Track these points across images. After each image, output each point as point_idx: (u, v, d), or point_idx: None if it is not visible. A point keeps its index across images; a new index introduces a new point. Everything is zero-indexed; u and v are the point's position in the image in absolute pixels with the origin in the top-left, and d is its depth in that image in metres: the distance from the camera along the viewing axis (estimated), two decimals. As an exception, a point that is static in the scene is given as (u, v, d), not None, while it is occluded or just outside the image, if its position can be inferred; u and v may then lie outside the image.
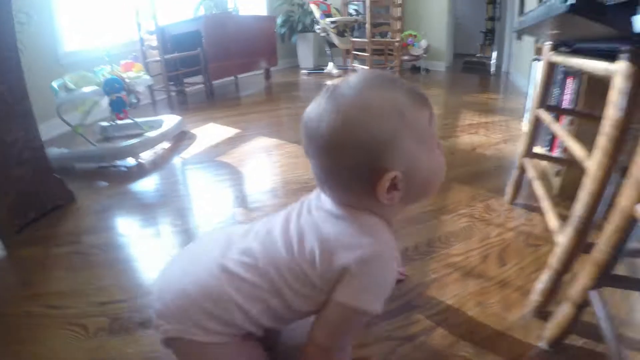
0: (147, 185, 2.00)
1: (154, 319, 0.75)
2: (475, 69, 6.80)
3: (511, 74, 5.76)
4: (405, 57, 5.80)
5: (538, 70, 1.63)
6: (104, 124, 2.80)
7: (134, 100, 2.41)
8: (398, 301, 1.10)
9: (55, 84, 2.22)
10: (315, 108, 0.67)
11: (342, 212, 0.70)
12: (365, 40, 4.79)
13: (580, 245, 0.89)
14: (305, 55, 6.83)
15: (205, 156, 2.38)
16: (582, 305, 0.83)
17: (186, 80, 4.36)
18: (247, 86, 5.03)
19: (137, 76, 2.56)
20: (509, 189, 1.66)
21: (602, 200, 0.83)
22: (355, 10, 6.57)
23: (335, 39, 5.53)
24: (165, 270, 0.82)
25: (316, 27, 5.73)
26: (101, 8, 3.72)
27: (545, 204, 1.19)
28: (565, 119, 1.77)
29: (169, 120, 2.77)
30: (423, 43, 5.81)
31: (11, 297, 1.18)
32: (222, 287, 0.71)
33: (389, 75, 0.70)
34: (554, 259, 0.94)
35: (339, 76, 5.59)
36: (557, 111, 1.68)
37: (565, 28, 0.95)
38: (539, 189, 1.29)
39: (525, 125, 2.45)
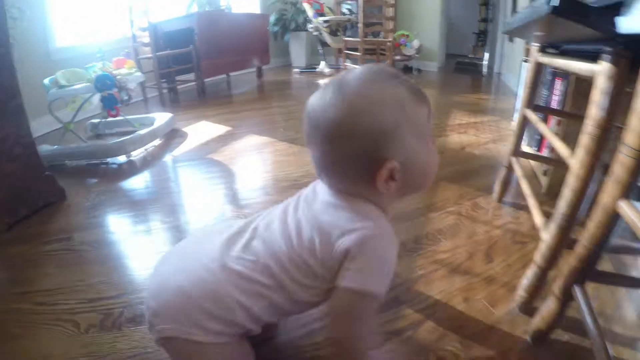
0: (137, 182, 2.00)
1: (149, 318, 0.74)
2: (467, 69, 6.84)
3: (503, 74, 5.79)
4: (398, 57, 5.82)
5: (527, 71, 1.65)
6: (95, 121, 2.79)
7: (126, 97, 2.41)
8: (385, 296, 1.11)
9: (46, 81, 2.22)
10: (321, 98, 0.69)
11: (339, 201, 0.72)
12: (358, 39, 4.80)
13: (564, 241, 0.91)
14: (298, 53, 6.83)
15: (196, 154, 2.39)
16: (566, 300, 0.85)
17: (178, 77, 4.35)
18: (239, 84, 5.02)
19: (129, 73, 2.56)
20: (496, 188, 1.68)
21: (585, 197, 0.85)
22: (348, 9, 6.59)
23: (327, 38, 5.54)
24: (159, 268, 0.81)
25: (309, 25, 5.73)
26: (94, 4, 3.70)
27: (531, 202, 1.21)
28: (553, 119, 1.80)
29: (160, 118, 2.77)
30: (415, 43, 5.83)
31: (1, 294, 1.18)
32: (223, 285, 0.71)
33: (392, 70, 0.73)
34: (538, 255, 0.96)
35: (330, 75, 5.59)
36: (544, 111, 1.70)
37: (550, 29, 0.96)
38: (525, 187, 1.31)
39: (514, 125, 2.48)
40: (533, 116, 1.36)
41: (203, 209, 1.68)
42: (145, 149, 2.47)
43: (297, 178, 1.96)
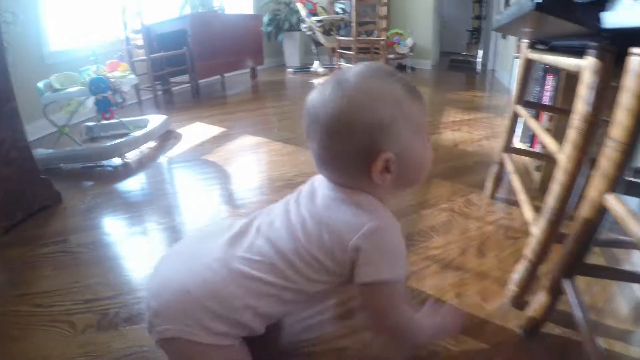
0: (133, 184, 2.01)
1: (149, 319, 0.73)
2: (461, 67, 6.87)
3: (497, 71, 5.81)
4: (391, 56, 5.83)
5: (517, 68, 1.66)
6: (90, 124, 2.79)
7: (120, 100, 2.41)
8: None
9: (41, 85, 2.22)
10: (320, 94, 0.71)
11: (340, 194, 0.74)
12: (351, 38, 4.81)
13: (554, 235, 0.92)
14: (292, 53, 6.83)
15: (191, 155, 2.39)
16: (556, 293, 0.86)
17: (172, 79, 4.34)
18: (234, 85, 5.03)
19: (123, 76, 2.56)
20: (488, 184, 1.70)
21: (573, 191, 0.86)
22: (342, 8, 6.60)
23: (321, 38, 5.55)
24: (159, 268, 0.81)
25: (302, 25, 5.75)
26: (87, 7, 3.69)
27: (522, 197, 1.22)
28: (546, 115, 1.81)
29: (155, 120, 2.77)
30: (409, 41, 5.84)
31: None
32: (228, 286, 0.71)
33: (388, 68, 0.75)
34: (529, 249, 0.98)
35: (324, 75, 5.60)
36: (534, 107, 1.72)
37: (537, 26, 0.98)
38: (516, 182, 1.32)
39: (507, 122, 2.49)
40: (523, 112, 1.38)
41: (198, 210, 1.68)
42: (140, 151, 2.47)
43: (291, 177, 1.97)
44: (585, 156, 0.81)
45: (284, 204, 0.82)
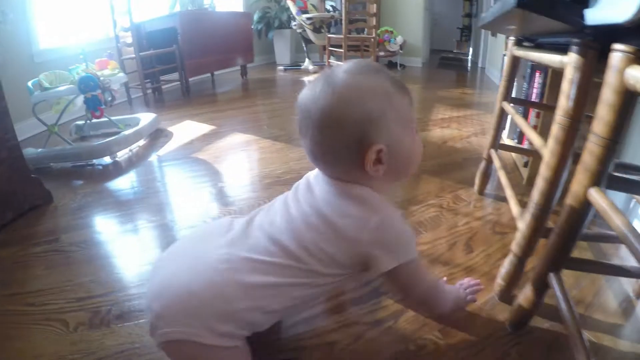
0: (123, 182, 2.00)
1: (152, 321, 0.72)
2: (451, 64, 6.90)
3: (487, 69, 5.85)
4: (382, 53, 5.85)
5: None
6: (80, 122, 2.78)
7: (109, 98, 2.40)
8: (366, 288, 1.14)
9: (30, 84, 2.21)
10: (311, 91, 0.74)
11: (337, 189, 0.76)
12: (342, 36, 4.81)
13: (539, 230, 0.93)
14: (282, 51, 6.83)
15: (181, 153, 2.39)
16: (542, 287, 0.87)
17: (162, 77, 4.33)
18: (224, 83, 5.02)
19: (113, 74, 2.55)
20: (477, 180, 1.71)
21: (559, 186, 0.87)
22: (332, 6, 6.59)
23: (311, 35, 5.55)
24: (159, 269, 0.80)
25: (293, 23, 5.74)
26: (76, 5, 3.67)
27: (509, 192, 1.24)
28: (533, 112, 1.83)
29: (145, 118, 2.76)
30: (399, 39, 5.86)
31: (-9, 296, 1.19)
32: (234, 286, 0.71)
33: (376, 64, 0.79)
34: (515, 244, 0.99)
35: (315, 72, 5.61)
36: (520, 103, 1.74)
37: (520, 23, 0.99)
38: (503, 178, 1.34)
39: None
40: (509, 108, 1.39)
41: (189, 207, 1.69)
42: (130, 150, 2.47)
43: (281, 174, 1.98)
44: (569, 151, 0.82)
45: (283, 202, 0.83)
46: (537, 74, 1.84)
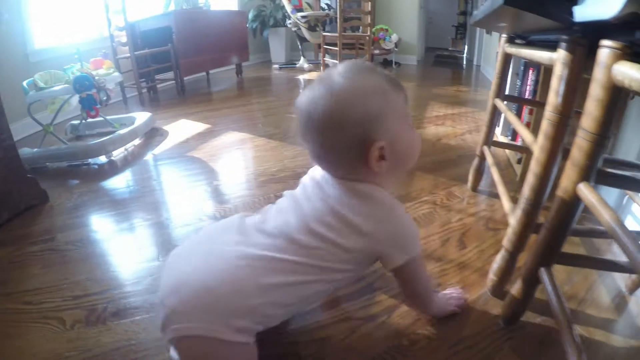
0: (119, 181, 2.01)
1: (165, 317, 0.72)
2: (446, 62, 6.91)
3: (482, 67, 5.86)
4: (377, 51, 5.85)
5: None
6: (75, 122, 2.78)
7: (105, 98, 2.40)
8: (360, 283, 1.15)
9: (25, 83, 2.21)
10: (310, 95, 0.76)
11: (345, 188, 0.79)
12: (336, 34, 4.81)
13: (530, 225, 0.94)
14: (277, 50, 6.83)
15: (176, 152, 2.39)
16: (533, 282, 0.88)
17: (157, 76, 4.32)
18: (219, 81, 5.02)
19: (107, 73, 2.55)
20: (470, 177, 1.72)
21: (549, 182, 0.88)
22: (327, 4, 6.59)
23: (306, 34, 5.55)
24: (172, 266, 0.81)
25: (288, 21, 5.74)
26: (71, 5, 3.65)
27: (501, 189, 1.25)
28: (527, 109, 1.84)
29: (140, 117, 2.76)
30: (394, 37, 5.86)
31: (-13, 296, 1.19)
32: (251, 283, 0.73)
33: (369, 64, 0.81)
34: (506, 239, 1.00)
35: (310, 70, 5.61)
36: (512, 100, 1.75)
37: (510, 20, 1.00)
38: (496, 174, 1.35)
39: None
40: (502, 105, 1.40)
41: (184, 206, 1.69)
42: (126, 149, 2.47)
43: (275, 172, 1.99)
44: (559, 147, 0.83)
45: (292, 200, 0.85)
46: (531, 72, 1.85)
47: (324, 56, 5.07)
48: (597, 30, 0.65)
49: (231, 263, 0.74)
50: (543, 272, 0.83)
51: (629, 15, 0.52)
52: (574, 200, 0.72)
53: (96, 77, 2.33)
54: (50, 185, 1.86)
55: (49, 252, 1.37)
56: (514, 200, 1.13)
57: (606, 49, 0.61)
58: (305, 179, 0.89)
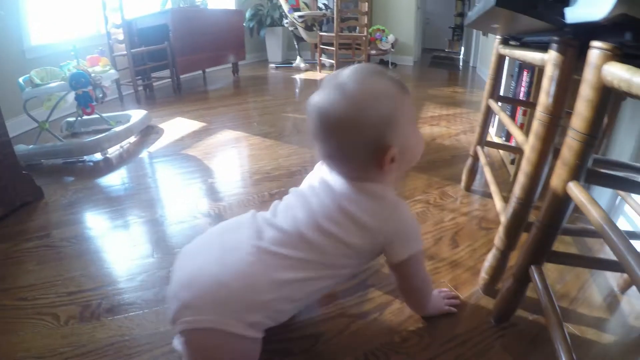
0: (114, 179, 2.01)
1: (177, 310, 0.73)
2: (443, 63, 6.92)
3: (478, 68, 5.87)
4: (373, 52, 5.87)
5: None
6: (71, 119, 2.78)
7: (100, 95, 2.40)
8: (353, 280, 1.16)
9: (21, 80, 2.21)
10: (324, 98, 0.77)
11: (355, 188, 0.81)
12: (333, 34, 4.82)
13: (521, 224, 0.95)
14: (274, 49, 6.83)
15: (171, 149, 2.39)
16: (524, 280, 0.89)
17: (153, 74, 4.32)
18: (215, 80, 5.01)
19: (104, 71, 2.54)
20: (464, 177, 1.73)
21: (540, 181, 0.89)
22: (324, 4, 6.60)
23: (303, 33, 5.55)
24: (185, 261, 0.82)
25: (285, 21, 5.74)
26: (68, 1, 3.64)
27: (493, 188, 1.26)
28: (521, 110, 1.85)
29: (136, 115, 2.76)
30: (391, 38, 5.88)
31: (-17, 292, 1.19)
32: (263, 278, 0.75)
33: (378, 67, 0.82)
34: (497, 238, 1.01)
35: (306, 70, 5.62)
36: (505, 101, 1.75)
37: (503, 21, 1.00)
38: (488, 174, 1.36)
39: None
40: (495, 106, 1.41)
41: (179, 203, 1.70)
42: (121, 146, 2.47)
43: (270, 171, 2.00)
44: (550, 147, 0.84)
45: (300, 197, 0.86)
46: (525, 73, 1.86)
47: (320, 56, 5.07)
48: (588, 31, 0.66)
49: (243, 259, 0.75)
50: (533, 270, 0.84)
51: (618, 17, 0.53)
52: (564, 199, 0.73)
53: (92, 75, 2.33)
54: (45, 182, 1.86)
55: (43, 249, 1.37)
56: (507, 200, 1.13)
57: (596, 50, 0.62)
58: (312, 177, 0.92)
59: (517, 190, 0.92)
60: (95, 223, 1.57)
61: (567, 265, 1.15)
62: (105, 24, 3.76)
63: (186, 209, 1.63)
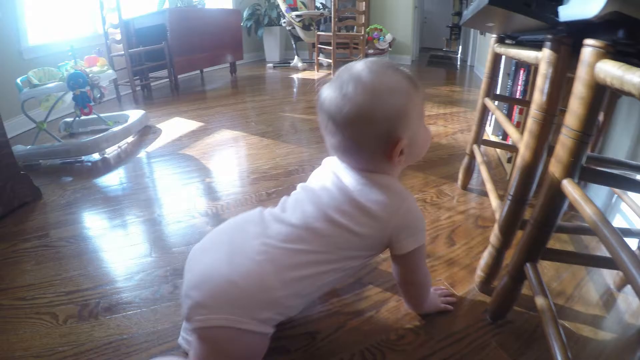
0: (112, 179, 2.01)
1: (190, 308, 0.75)
2: (441, 62, 6.92)
3: (475, 67, 5.88)
4: (371, 51, 5.86)
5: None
6: (68, 119, 2.78)
7: (98, 95, 2.40)
8: (349, 279, 1.16)
9: (19, 80, 2.21)
10: (337, 91, 0.78)
11: (366, 180, 0.83)
12: (331, 34, 4.82)
13: (516, 222, 0.95)
14: (271, 48, 6.83)
15: (169, 149, 2.39)
16: (519, 278, 0.89)
17: (151, 74, 4.32)
18: (213, 80, 5.01)
19: (101, 71, 2.54)
20: (460, 175, 1.74)
21: (535, 179, 0.90)
22: (322, 3, 6.60)
23: (300, 33, 5.55)
24: (196, 260, 0.82)
25: (282, 20, 5.74)
26: (65, 1, 3.64)
27: (489, 186, 1.26)
28: (517, 108, 1.86)
29: (134, 115, 2.76)
30: (388, 37, 5.88)
31: (-19, 292, 1.19)
32: (272, 275, 0.75)
33: (391, 62, 0.85)
34: (493, 235, 1.01)
35: (304, 69, 5.62)
36: (501, 99, 1.76)
37: (498, 20, 1.01)
38: (484, 173, 1.36)
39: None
40: (491, 104, 1.42)
41: (176, 203, 1.70)
42: (119, 146, 2.47)
43: (267, 170, 2.01)
44: (544, 144, 0.85)
45: (308, 191, 0.88)
46: (522, 72, 1.87)
47: (318, 55, 5.08)
48: (581, 29, 0.67)
49: (252, 258, 0.76)
50: (529, 268, 0.84)
51: (611, 14, 0.53)
52: (559, 196, 0.74)
53: (90, 75, 2.33)
54: (43, 182, 1.86)
55: (42, 249, 1.38)
56: (502, 198, 1.14)
57: (589, 47, 0.63)
58: (320, 171, 0.93)
59: (512, 187, 0.92)
60: (93, 223, 1.57)
61: (564, 262, 1.16)
62: (102, 24, 3.76)
63: (184, 209, 1.63)
